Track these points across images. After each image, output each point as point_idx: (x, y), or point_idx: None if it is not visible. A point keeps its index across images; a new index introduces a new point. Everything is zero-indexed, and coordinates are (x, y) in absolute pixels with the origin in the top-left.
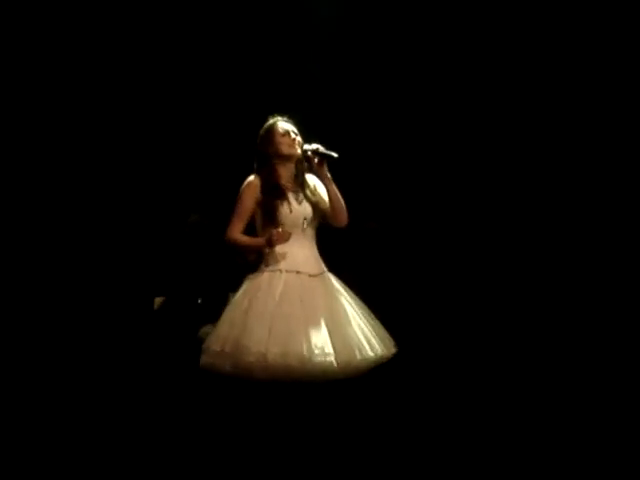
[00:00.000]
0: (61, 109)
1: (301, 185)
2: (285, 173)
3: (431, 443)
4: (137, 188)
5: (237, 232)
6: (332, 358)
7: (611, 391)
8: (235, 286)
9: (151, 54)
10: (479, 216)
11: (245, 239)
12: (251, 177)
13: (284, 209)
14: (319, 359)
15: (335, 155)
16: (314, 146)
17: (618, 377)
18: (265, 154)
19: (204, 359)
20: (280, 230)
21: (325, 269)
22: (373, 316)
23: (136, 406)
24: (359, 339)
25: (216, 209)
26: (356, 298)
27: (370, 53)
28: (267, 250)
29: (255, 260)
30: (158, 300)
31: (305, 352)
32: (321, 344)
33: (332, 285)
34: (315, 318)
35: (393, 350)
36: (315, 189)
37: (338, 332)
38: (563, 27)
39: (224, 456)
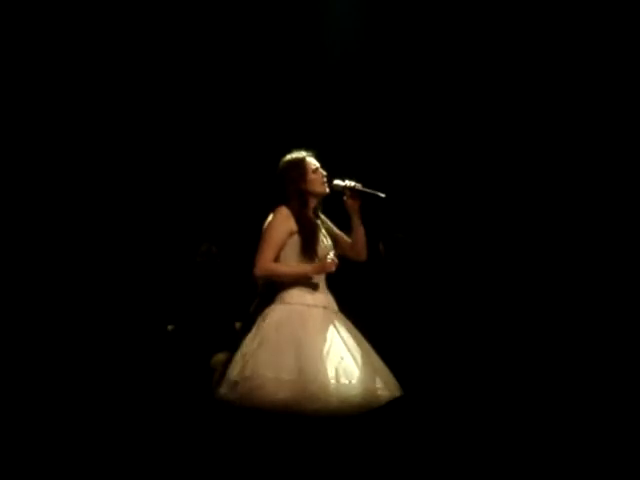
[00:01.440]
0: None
1: (319, 220)
2: (311, 208)
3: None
4: (151, 217)
5: (270, 262)
6: (385, 392)
7: (612, 393)
8: (240, 314)
9: (154, 67)
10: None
11: (286, 268)
12: (282, 208)
13: (321, 243)
14: (377, 393)
15: (382, 195)
16: (350, 183)
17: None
18: (296, 189)
19: (248, 386)
20: (333, 256)
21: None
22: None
23: (145, 432)
24: (383, 376)
25: (228, 239)
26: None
27: (384, 69)
28: (313, 273)
29: (269, 289)
30: (168, 327)
31: (364, 386)
32: (373, 380)
33: (349, 323)
34: (355, 352)
35: (401, 392)
36: (328, 225)
37: (370, 367)
38: (563, 27)
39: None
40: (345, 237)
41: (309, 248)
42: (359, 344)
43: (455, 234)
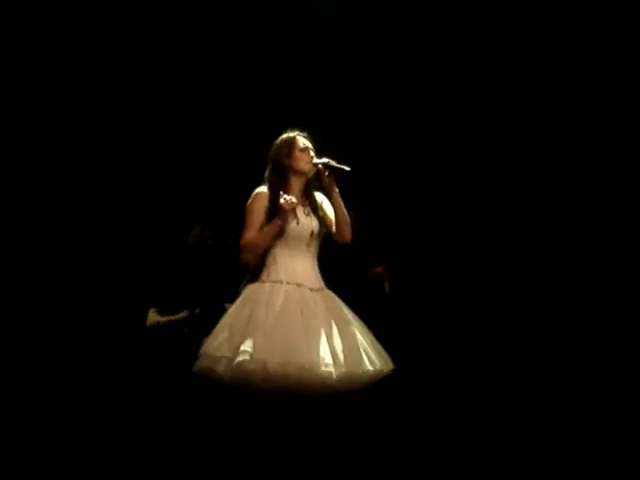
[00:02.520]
0: (68, 116)
1: (309, 200)
2: (296, 187)
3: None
4: (141, 200)
5: (251, 238)
6: (332, 369)
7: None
8: (232, 297)
9: (154, 61)
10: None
11: (261, 232)
12: (260, 188)
13: (292, 221)
14: (319, 370)
15: (347, 169)
16: (324, 160)
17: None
18: (280, 165)
19: (201, 363)
20: (286, 197)
21: (324, 286)
22: (371, 333)
23: (134, 416)
24: (359, 353)
25: (219, 221)
26: (355, 315)
27: (378, 62)
28: (280, 223)
29: (255, 269)
30: (152, 313)
31: (305, 363)
32: (321, 355)
33: (332, 301)
34: (316, 330)
35: (391, 366)
36: (322, 205)
37: (338, 345)
38: (563, 27)
39: (218, 463)
40: (333, 220)
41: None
42: (337, 322)
43: (448, 234)
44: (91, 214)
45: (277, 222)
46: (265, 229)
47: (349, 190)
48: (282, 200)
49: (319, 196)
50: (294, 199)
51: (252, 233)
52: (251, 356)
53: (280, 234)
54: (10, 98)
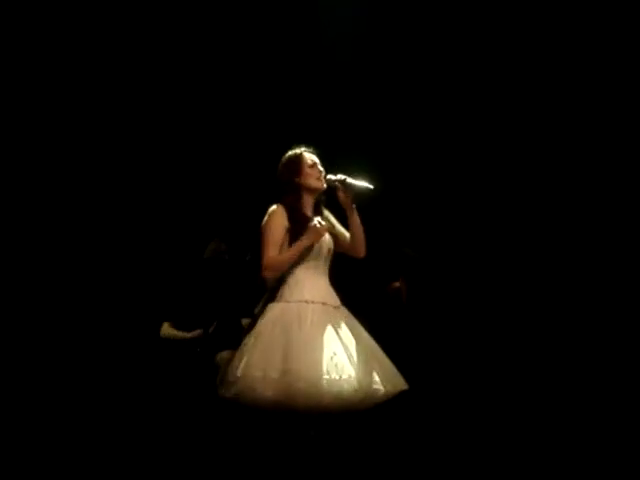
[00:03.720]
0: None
1: (320, 216)
2: (309, 204)
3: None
4: (158, 215)
5: (275, 258)
6: (381, 387)
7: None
8: (247, 313)
9: (168, 74)
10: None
11: (287, 252)
12: (274, 206)
13: (315, 221)
14: (373, 388)
15: (370, 186)
16: (341, 177)
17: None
18: (291, 184)
19: (241, 386)
20: (319, 220)
21: (340, 303)
22: (382, 351)
23: (147, 432)
24: (386, 372)
25: (235, 236)
26: (367, 333)
27: (387, 74)
28: (308, 242)
29: (275, 287)
30: (167, 325)
31: (353, 382)
32: (369, 375)
33: (350, 318)
34: (352, 347)
35: (405, 385)
36: (331, 221)
37: (371, 363)
38: (563, 27)
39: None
40: (346, 234)
41: (294, 242)
42: (359, 339)
43: (466, 249)
44: (109, 227)
45: (304, 243)
46: (292, 250)
47: (364, 203)
48: (316, 224)
49: (325, 211)
50: (324, 222)
51: (274, 251)
52: (299, 373)
53: (304, 253)
54: (12, 100)
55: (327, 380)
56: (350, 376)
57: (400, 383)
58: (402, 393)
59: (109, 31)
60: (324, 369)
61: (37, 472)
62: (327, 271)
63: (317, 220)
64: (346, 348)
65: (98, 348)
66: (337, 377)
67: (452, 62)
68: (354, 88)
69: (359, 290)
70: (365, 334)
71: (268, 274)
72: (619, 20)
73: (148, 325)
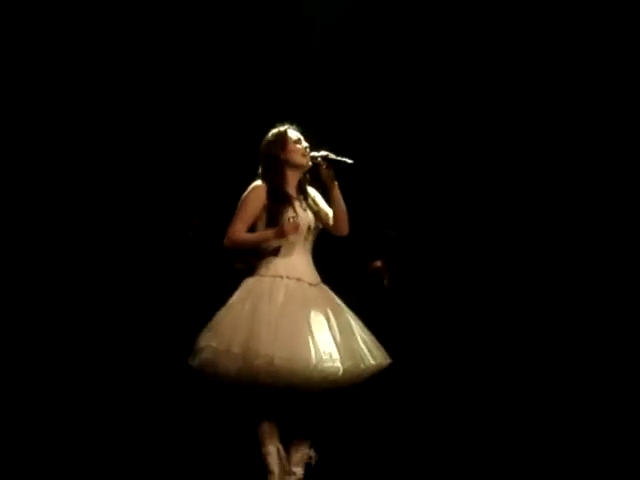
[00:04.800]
0: (66, 113)
1: (304, 194)
2: (291, 181)
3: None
4: (140, 193)
5: (239, 233)
6: (339, 364)
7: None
8: (232, 291)
9: (151, 56)
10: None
11: (250, 235)
12: (257, 182)
13: (290, 216)
14: (326, 365)
15: (349, 161)
16: (323, 153)
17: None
18: (275, 159)
19: (204, 356)
20: (292, 219)
21: (320, 280)
22: (366, 327)
23: (131, 408)
24: (361, 347)
25: (219, 214)
26: (349, 309)
27: (376, 55)
28: (274, 237)
29: (250, 265)
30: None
31: (312, 358)
32: (328, 350)
33: (330, 295)
34: (319, 325)
35: (389, 360)
36: (316, 199)
37: (341, 340)
38: (563, 27)
39: (217, 459)
40: (330, 212)
41: (273, 220)
42: (336, 316)
43: (448, 230)
44: (91, 214)
45: (270, 237)
46: (258, 236)
47: (348, 184)
48: (286, 224)
49: (311, 190)
50: (297, 220)
51: (242, 225)
52: (258, 351)
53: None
54: (10, 99)
55: (282, 359)
56: (307, 355)
57: (382, 358)
58: (387, 369)
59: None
60: (281, 348)
61: (36, 470)
62: (309, 248)
63: (291, 217)
64: (312, 326)
65: (83, 329)
66: (293, 356)
67: (440, 47)
68: (335, 71)
69: (339, 269)
70: (344, 311)
71: (228, 245)
72: (619, 20)
73: (137, 304)
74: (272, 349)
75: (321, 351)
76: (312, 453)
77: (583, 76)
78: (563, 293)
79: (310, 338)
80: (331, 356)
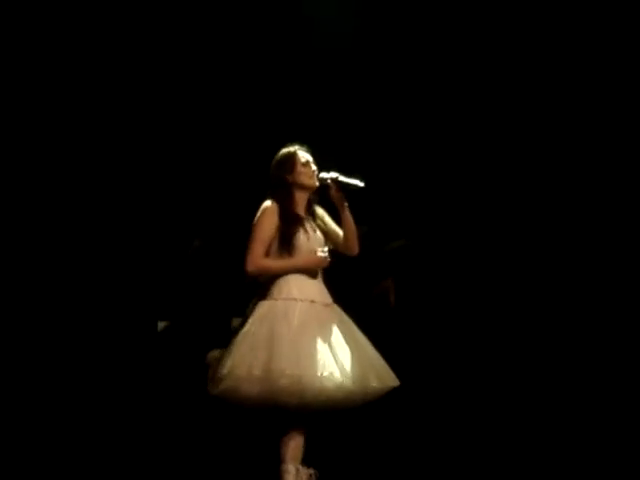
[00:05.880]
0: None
1: (312, 215)
2: (300, 202)
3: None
4: (142, 213)
5: (260, 257)
6: (359, 384)
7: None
8: (237, 311)
9: (151, 56)
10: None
11: (276, 262)
12: (268, 203)
13: (303, 237)
14: (348, 384)
15: (360, 184)
16: (333, 175)
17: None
18: (284, 181)
19: (227, 384)
20: (322, 253)
21: (332, 300)
22: (375, 349)
23: (141, 432)
24: (370, 368)
25: (219, 234)
26: (359, 330)
27: (376, 55)
28: (304, 266)
29: (265, 285)
30: (161, 324)
31: (339, 377)
32: (348, 370)
33: (341, 316)
34: (338, 344)
35: (397, 382)
36: (324, 219)
37: (357, 360)
38: (563, 27)
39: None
40: (339, 232)
41: (285, 242)
42: (349, 337)
43: (457, 247)
44: (92, 228)
45: (300, 265)
46: (286, 264)
47: (356, 201)
48: (320, 254)
49: (320, 210)
50: (327, 254)
51: (261, 249)
52: (283, 370)
53: (290, 252)
54: (10, 99)
55: (309, 377)
56: (332, 373)
57: (391, 379)
58: (395, 390)
59: (100, 29)
60: (307, 366)
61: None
62: (320, 269)
63: (323, 250)
64: (331, 345)
65: (84, 347)
66: (319, 374)
67: (440, 47)
68: (341, 82)
69: (348, 289)
70: (357, 332)
71: (251, 270)
72: (619, 20)
73: (139, 326)
74: (298, 368)
75: (345, 370)
76: (312, 471)
77: (586, 77)
78: (575, 317)
79: (333, 357)
80: (352, 376)
